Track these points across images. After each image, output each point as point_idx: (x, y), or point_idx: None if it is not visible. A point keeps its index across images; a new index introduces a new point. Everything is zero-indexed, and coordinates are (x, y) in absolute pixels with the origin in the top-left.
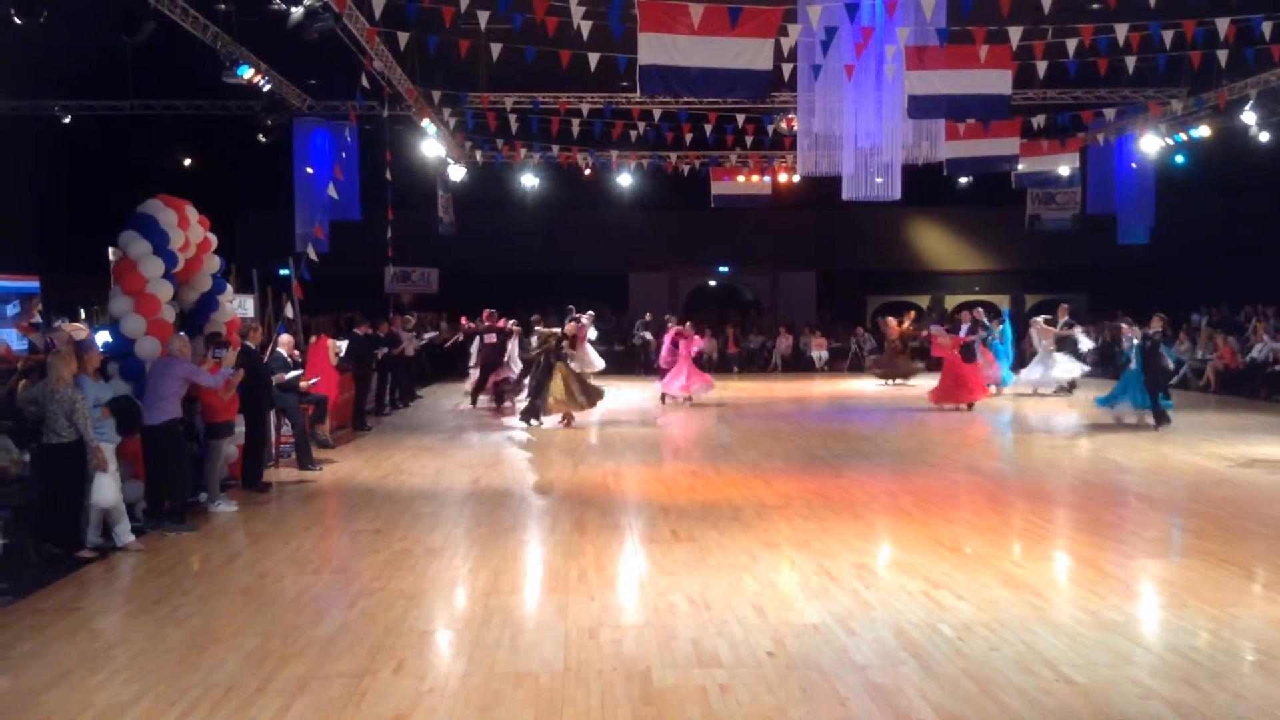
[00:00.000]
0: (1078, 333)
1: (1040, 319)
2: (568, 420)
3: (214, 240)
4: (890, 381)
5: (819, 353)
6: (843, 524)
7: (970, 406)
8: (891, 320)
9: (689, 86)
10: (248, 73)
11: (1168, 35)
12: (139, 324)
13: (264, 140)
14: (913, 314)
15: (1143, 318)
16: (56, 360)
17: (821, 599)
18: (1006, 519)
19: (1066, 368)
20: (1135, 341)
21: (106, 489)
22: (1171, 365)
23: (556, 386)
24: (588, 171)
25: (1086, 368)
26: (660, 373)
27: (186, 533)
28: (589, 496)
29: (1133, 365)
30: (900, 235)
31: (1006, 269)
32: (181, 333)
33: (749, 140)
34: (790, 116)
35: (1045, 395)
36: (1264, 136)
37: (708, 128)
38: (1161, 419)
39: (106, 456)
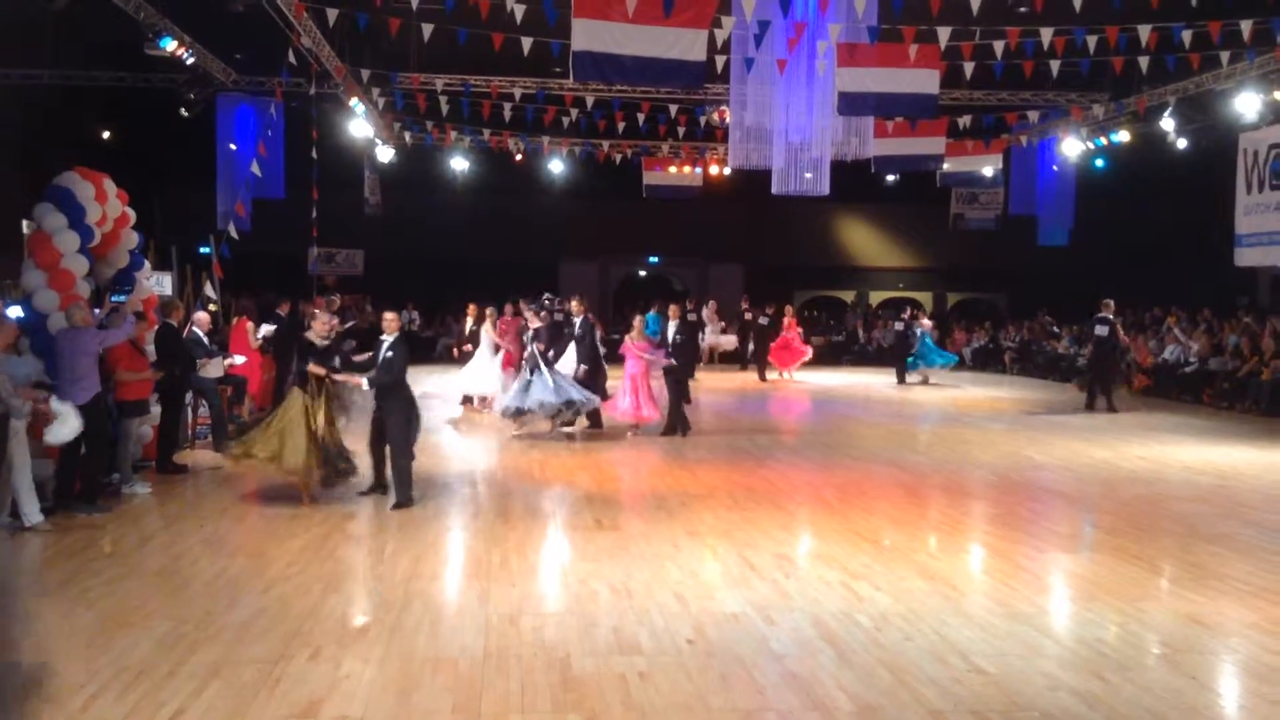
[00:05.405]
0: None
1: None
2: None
3: (132, 215)
4: None
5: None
6: (765, 514)
7: (791, 373)
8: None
9: (622, 74)
10: (171, 45)
11: (1091, 40)
12: (53, 299)
13: (186, 115)
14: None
15: (1062, 317)
16: None
17: (742, 588)
18: (924, 512)
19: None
20: (900, 329)
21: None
22: (916, 347)
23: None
24: (519, 157)
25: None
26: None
27: (98, 514)
28: (513, 484)
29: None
30: (828, 231)
31: (930, 267)
32: (80, 302)
33: (681, 131)
34: (722, 109)
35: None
36: (1181, 143)
37: (640, 117)
38: (901, 380)
39: (19, 429)
